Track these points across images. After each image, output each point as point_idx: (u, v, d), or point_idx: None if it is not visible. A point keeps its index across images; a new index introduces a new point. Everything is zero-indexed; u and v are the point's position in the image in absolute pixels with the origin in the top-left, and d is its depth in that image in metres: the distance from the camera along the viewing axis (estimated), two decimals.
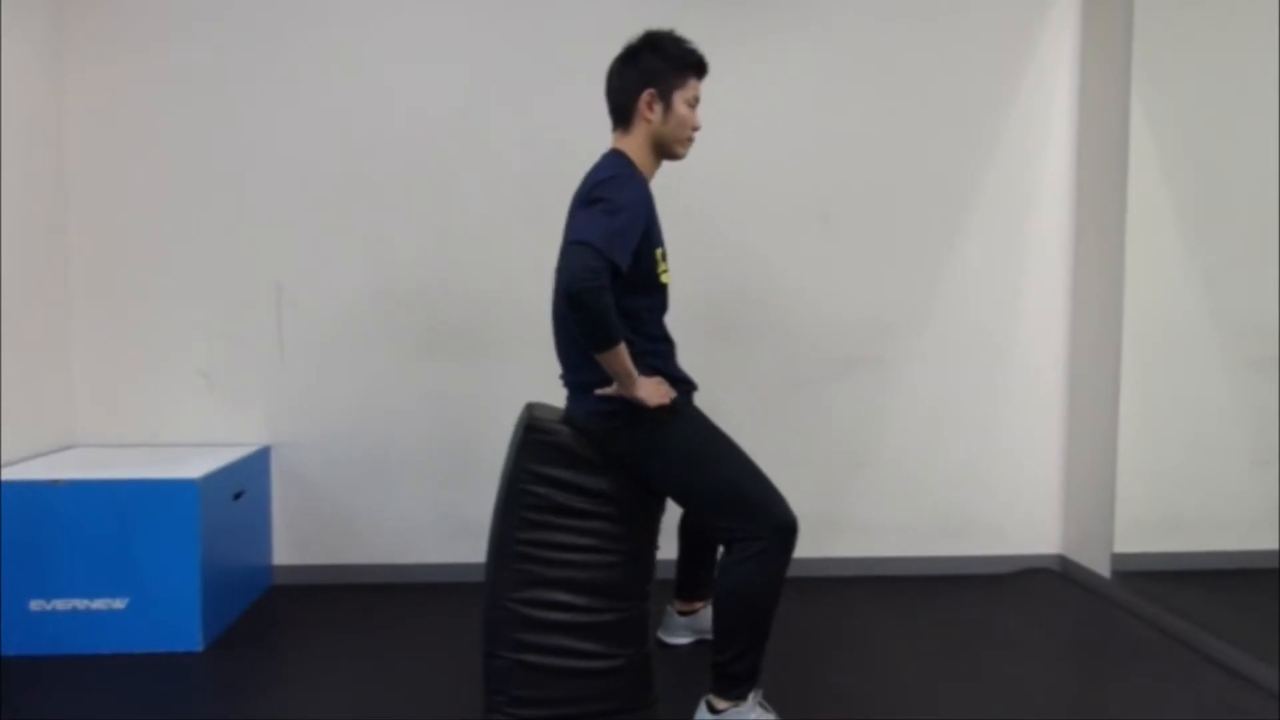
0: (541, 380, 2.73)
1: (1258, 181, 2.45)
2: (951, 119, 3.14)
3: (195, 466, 2.55)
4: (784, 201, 3.10)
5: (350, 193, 2.99)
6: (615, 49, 2.08)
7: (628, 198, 1.90)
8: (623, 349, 1.88)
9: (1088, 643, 2.66)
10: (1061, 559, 3.24)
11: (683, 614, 2.57)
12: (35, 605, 2.40)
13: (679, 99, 2.04)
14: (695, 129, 2.08)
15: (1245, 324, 2.58)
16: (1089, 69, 3.12)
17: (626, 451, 2.03)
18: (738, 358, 3.10)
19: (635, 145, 2.05)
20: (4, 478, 2.40)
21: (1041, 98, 3.17)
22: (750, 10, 3.04)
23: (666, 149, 2.07)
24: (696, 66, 2.07)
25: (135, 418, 2.99)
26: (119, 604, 2.41)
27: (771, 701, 2.09)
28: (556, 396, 2.21)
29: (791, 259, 3.12)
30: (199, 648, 2.45)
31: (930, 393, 3.19)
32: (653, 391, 1.95)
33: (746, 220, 3.09)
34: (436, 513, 3.10)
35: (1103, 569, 3.00)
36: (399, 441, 3.07)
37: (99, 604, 2.41)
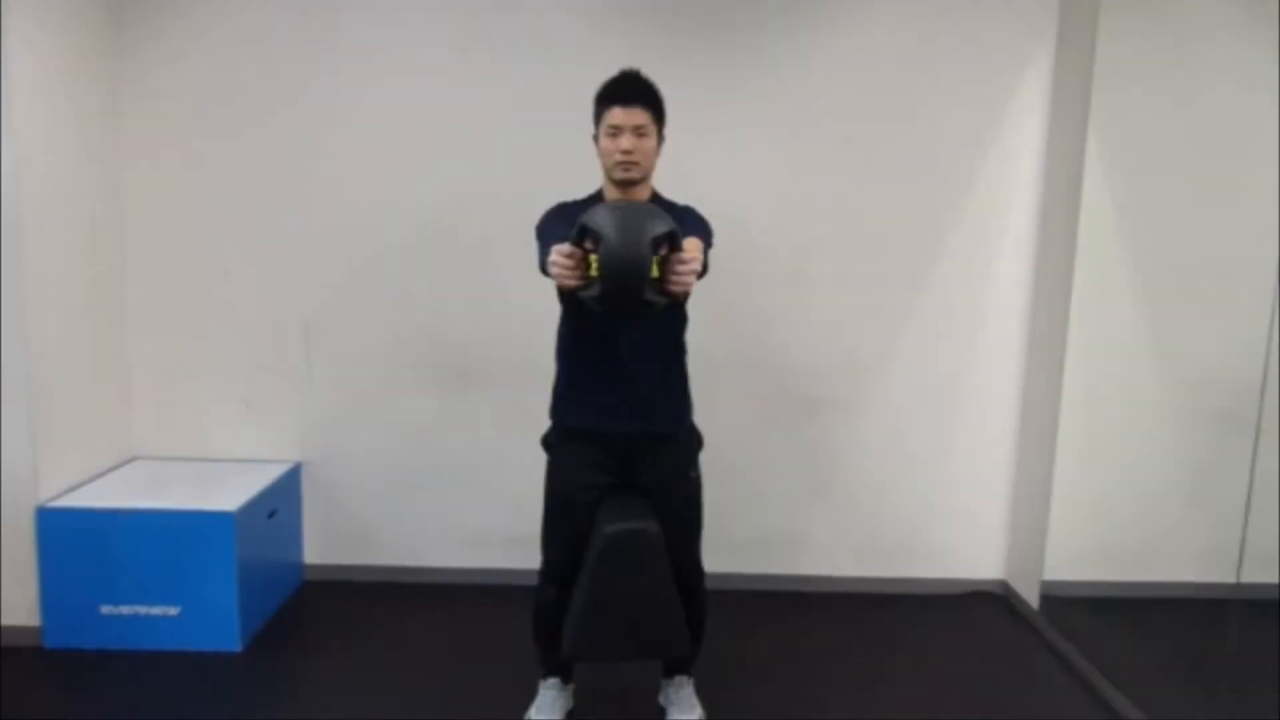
0: (533, 406, 3.09)
1: (1209, 244, 2.65)
2: (920, 181, 3.37)
3: (234, 493, 3.02)
4: (760, 255, 3.38)
5: (371, 246, 3.37)
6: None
7: (539, 223, 2.26)
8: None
9: (997, 665, 3.02)
10: (1004, 584, 3.57)
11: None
12: (105, 609, 2.90)
13: (601, 132, 2.26)
14: (621, 152, 2.21)
15: (1192, 376, 2.80)
16: (1054, 139, 3.33)
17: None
18: (717, 397, 3.42)
19: (603, 177, 2.34)
20: (79, 505, 2.90)
21: (1008, 164, 3.37)
22: (728, 69, 3.28)
23: (610, 175, 2.30)
24: (607, 97, 2.24)
25: (188, 438, 3.46)
26: (173, 611, 2.90)
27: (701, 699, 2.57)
28: (542, 423, 2.50)
29: (768, 309, 3.43)
30: (238, 648, 2.94)
31: (890, 431, 3.50)
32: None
33: (726, 272, 3.37)
34: (446, 522, 3.54)
35: (1032, 596, 3.33)
36: (414, 460, 3.50)
37: (156, 610, 2.90)
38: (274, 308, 3.40)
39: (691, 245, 1.98)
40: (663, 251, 1.87)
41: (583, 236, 1.89)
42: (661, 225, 1.87)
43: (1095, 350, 3.12)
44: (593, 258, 1.86)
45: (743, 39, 3.28)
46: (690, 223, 2.25)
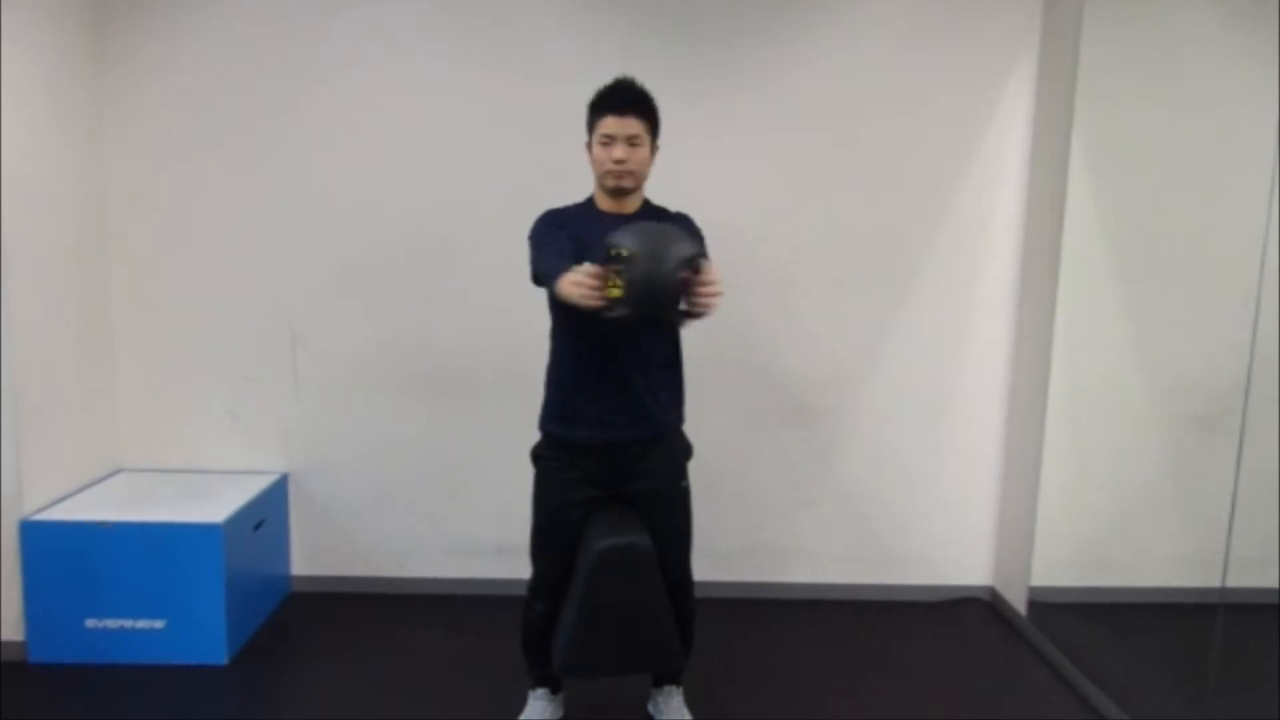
0: (518, 418, 3.08)
1: (1193, 249, 2.66)
2: (907, 191, 3.39)
3: (221, 505, 3.01)
4: (747, 263, 3.39)
5: (358, 256, 3.36)
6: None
7: (532, 231, 2.32)
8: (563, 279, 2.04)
9: (985, 671, 3.04)
10: (992, 590, 3.59)
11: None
12: (90, 623, 2.88)
13: (594, 140, 2.27)
14: (614, 161, 2.22)
15: (1177, 382, 2.81)
16: (1038, 147, 3.35)
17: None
18: (704, 405, 3.42)
19: (594, 185, 2.35)
20: (63, 518, 2.88)
21: (993, 171, 3.39)
22: (716, 77, 3.30)
23: (602, 184, 2.31)
24: (600, 105, 2.25)
25: (174, 449, 3.43)
26: (159, 624, 2.88)
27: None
28: (528, 433, 2.51)
29: (755, 317, 3.44)
30: (224, 661, 2.92)
31: (878, 438, 3.51)
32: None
33: None
34: (434, 532, 3.53)
35: (1020, 601, 3.34)
36: (401, 470, 3.49)
37: (142, 623, 2.88)
38: (261, 318, 3.39)
39: (711, 268, 1.99)
40: (685, 274, 1.92)
41: (607, 257, 1.91)
42: (687, 248, 1.94)
43: (1080, 356, 3.14)
44: (615, 278, 1.89)
45: (730, 47, 3.29)
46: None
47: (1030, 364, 3.37)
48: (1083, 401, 3.14)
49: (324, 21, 3.24)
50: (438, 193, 3.34)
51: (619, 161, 2.23)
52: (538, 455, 2.45)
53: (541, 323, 2.42)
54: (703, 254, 1.98)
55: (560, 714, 2.61)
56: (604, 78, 2.33)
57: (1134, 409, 2.93)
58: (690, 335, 2.47)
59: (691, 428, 2.51)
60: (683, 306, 1.93)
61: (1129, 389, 2.94)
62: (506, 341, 3.36)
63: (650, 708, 2.66)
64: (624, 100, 2.24)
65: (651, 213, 2.35)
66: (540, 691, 2.58)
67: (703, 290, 1.93)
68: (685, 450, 2.49)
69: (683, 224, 2.31)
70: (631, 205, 2.35)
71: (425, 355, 3.42)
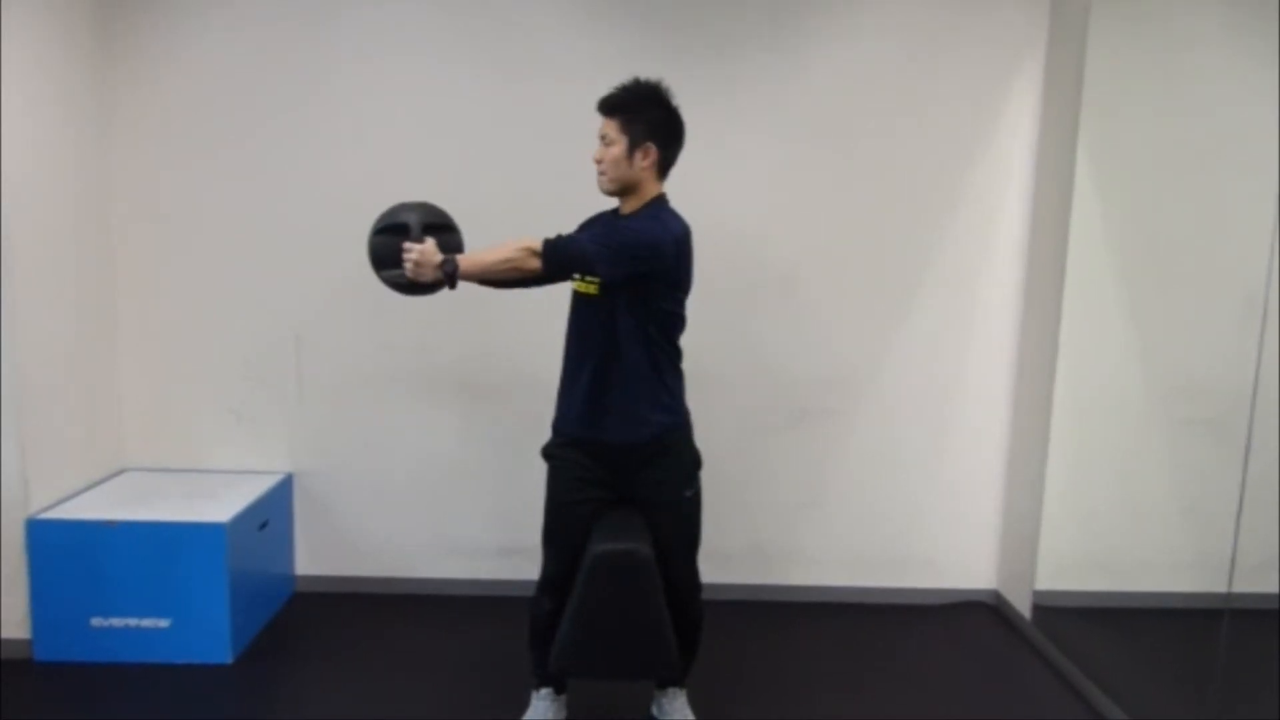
0: (521, 419, 3.11)
1: (1198, 253, 2.66)
2: (912, 193, 3.39)
3: (226, 505, 3.01)
4: (751, 265, 3.40)
5: (360, 257, 3.33)
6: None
7: None
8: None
9: (989, 674, 3.04)
10: (996, 594, 3.58)
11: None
12: (95, 622, 2.88)
13: None
14: (594, 160, 2.33)
15: (1182, 385, 2.80)
16: (1044, 149, 3.34)
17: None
18: (708, 407, 3.42)
19: None
20: (69, 517, 2.89)
21: (999, 174, 3.39)
22: (720, 80, 3.30)
23: None
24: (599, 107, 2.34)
25: (179, 449, 3.44)
26: (163, 623, 2.89)
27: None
28: (530, 433, 2.55)
29: (759, 319, 3.44)
30: (229, 660, 2.93)
31: (882, 440, 3.51)
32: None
33: (718, 283, 3.39)
34: (437, 533, 3.53)
35: (1024, 604, 3.34)
36: (404, 471, 3.49)
37: (147, 622, 2.89)
38: (265, 319, 3.39)
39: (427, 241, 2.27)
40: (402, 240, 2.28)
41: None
42: (389, 220, 2.36)
43: (1086, 360, 3.14)
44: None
45: (734, 51, 3.30)
46: (597, 228, 2.37)
47: (1035, 367, 3.36)
48: (1088, 405, 3.14)
49: (327, 23, 3.25)
50: (440, 194, 3.26)
51: (596, 161, 2.33)
52: (546, 452, 2.48)
53: (542, 323, 2.42)
54: (404, 223, 2.32)
55: (563, 715, 2.61)
56: (606, 80, 2.35)
57: (1139, 412, 2.92)
58: (693, 336, 2.48)
59: (697, 429, 2.51)
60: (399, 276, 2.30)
61: (1134, 392, 2.93)
62: (510, 342, 3.36)
63: (654, 709, 2.66)
64: (599, 104, 2.33)
65: (648, 214, 2.34)
66: (544, 692, 2.58)
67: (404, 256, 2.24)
68: (693, 459, 2.49)
69: (614, 227, 2.32)
70: (627, 207, 2.38)
71: (428, 356, 3.42)
